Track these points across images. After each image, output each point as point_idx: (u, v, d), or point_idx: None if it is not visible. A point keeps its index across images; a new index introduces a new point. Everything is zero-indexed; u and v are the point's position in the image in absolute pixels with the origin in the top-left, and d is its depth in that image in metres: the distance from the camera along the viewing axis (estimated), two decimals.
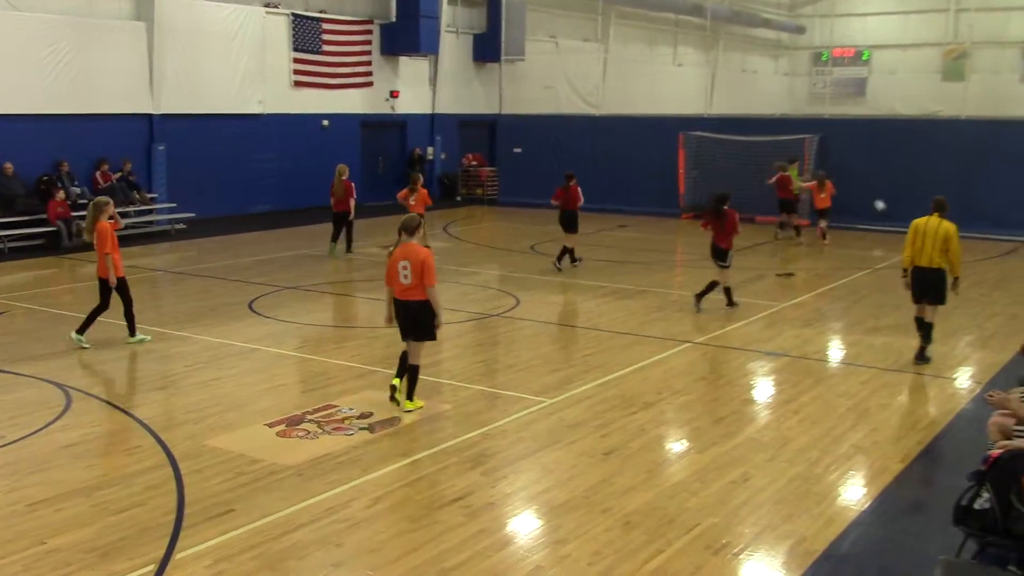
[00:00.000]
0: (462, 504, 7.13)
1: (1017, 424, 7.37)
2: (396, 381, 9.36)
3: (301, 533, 6.64)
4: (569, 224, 17.25)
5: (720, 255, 13.68)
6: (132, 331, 11.76)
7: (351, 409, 9.30)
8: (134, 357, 11.28)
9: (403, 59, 28.55)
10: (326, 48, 26.17)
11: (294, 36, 25.30)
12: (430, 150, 29.83)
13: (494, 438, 8.65)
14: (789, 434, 8.79)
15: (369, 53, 27.51)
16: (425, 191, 17.97)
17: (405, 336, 9.22)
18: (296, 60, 25.47)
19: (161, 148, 22.55)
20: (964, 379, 10.95)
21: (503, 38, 29.16)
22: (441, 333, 9.51)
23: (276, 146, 25.15)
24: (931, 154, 22.16)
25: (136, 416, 9.07)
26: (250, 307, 14.02)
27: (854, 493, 7.55)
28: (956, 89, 25.49)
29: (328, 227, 19.37)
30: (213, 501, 7.12)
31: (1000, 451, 6.37)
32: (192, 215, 22.39)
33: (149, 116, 22.33)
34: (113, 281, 11.40)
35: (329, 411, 9.25)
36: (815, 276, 15.68)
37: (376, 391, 9.95)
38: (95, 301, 11.64)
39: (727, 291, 13.95)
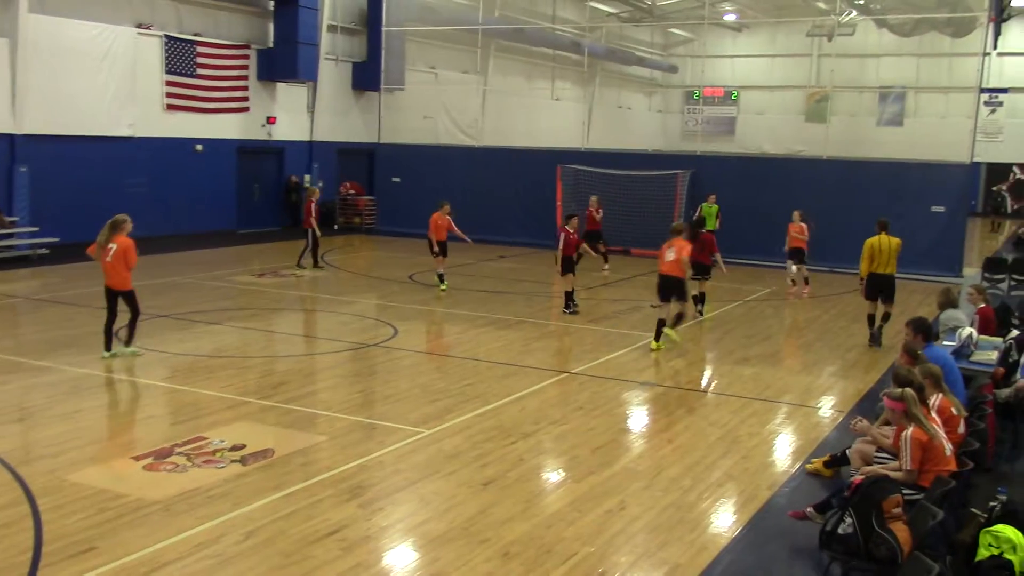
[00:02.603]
0: (338, 537, 6.99)
1: (878, 451, 7.70)
2: (659, 343, 13.59)
3: (168, 571, 6.39)
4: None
5: (705, 270, 15.94)
6: (130, 341, 12.39)
7: (222, 441, 9.04)
8: None
9: (281, 85, 28.18)
10: (200, 72, 25.59)
11: (167, 58, 24.66)
12: (307, 178, 29.45)
13: (371, 469, 8.53)
14: (663, 463, 8.95)
15: (246, 78, 27.03)
16: (448, 219, 18.61)
17: (665, 299, 13.54)
18: (169, 83, 24.81)
19: (23, 170, 21.58)
20: (827, 408, 11.37)
21: (383, 67, 29.11)
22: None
23: (148, 170, 24.36)
24: (795, 191, 23.05)
25: None
26: (116, 336, 13.49)
27: (725, 520, 7.73)
28: (819, 130, 26.64)
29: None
30: (73, 539, 6.80)
31: (862, 478, 6.64)
32: (56, 240, 21.43)
33: (11, 136, 21.36)
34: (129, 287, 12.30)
35: (199, 443, 8.96)
36: (687, 308, 16.09)
37: (249, 422, 9.71)
38: None
39: (697, 299, 16.20)
